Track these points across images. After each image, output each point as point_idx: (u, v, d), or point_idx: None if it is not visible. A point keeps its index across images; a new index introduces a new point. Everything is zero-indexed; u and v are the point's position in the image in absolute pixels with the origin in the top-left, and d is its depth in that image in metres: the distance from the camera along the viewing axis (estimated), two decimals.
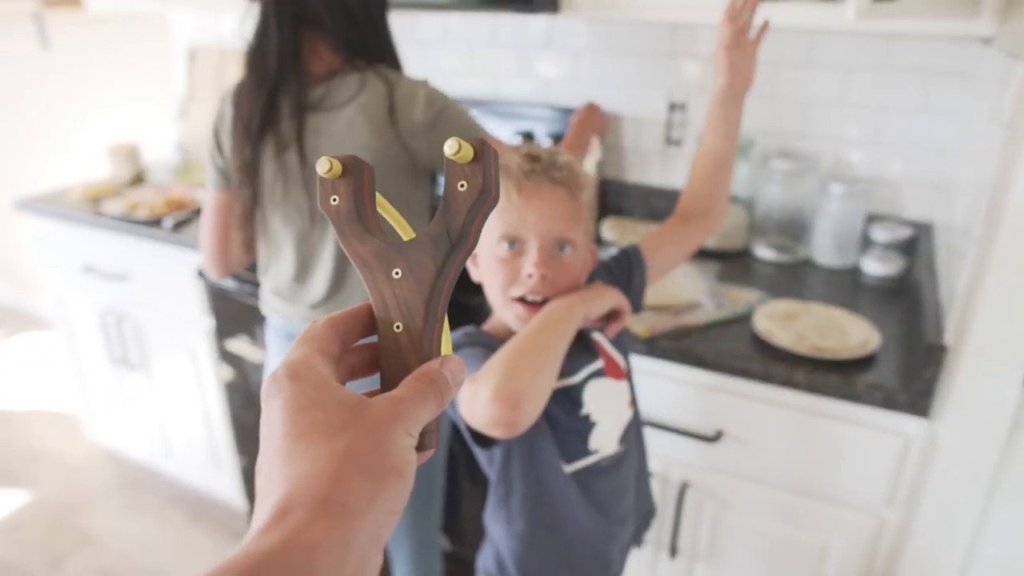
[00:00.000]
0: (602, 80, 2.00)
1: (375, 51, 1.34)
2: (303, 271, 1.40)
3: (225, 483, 2.31)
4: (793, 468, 1.36)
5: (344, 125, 1.28)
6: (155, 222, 2.02)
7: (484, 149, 0.44)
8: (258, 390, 1.99)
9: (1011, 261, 0.99)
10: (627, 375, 1.11)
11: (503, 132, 2.07)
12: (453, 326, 1.32)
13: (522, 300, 0.96)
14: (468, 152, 0.43)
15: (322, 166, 0.45)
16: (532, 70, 2.08)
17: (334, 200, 0.46)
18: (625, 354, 1.12)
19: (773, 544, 1.42)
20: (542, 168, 0.94)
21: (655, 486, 1.48)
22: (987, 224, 1.05)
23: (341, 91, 1.28)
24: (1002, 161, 1.03)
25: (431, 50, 2.21)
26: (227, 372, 2.06)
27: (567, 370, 1.00)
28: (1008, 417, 1.04)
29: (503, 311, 1.00)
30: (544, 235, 0.94)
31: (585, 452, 1.04)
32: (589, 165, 1.91)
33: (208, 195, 1.43)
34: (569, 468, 1.03)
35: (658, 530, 1.52)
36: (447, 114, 1.31)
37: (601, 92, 2.01)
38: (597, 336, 1.08)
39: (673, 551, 1.49)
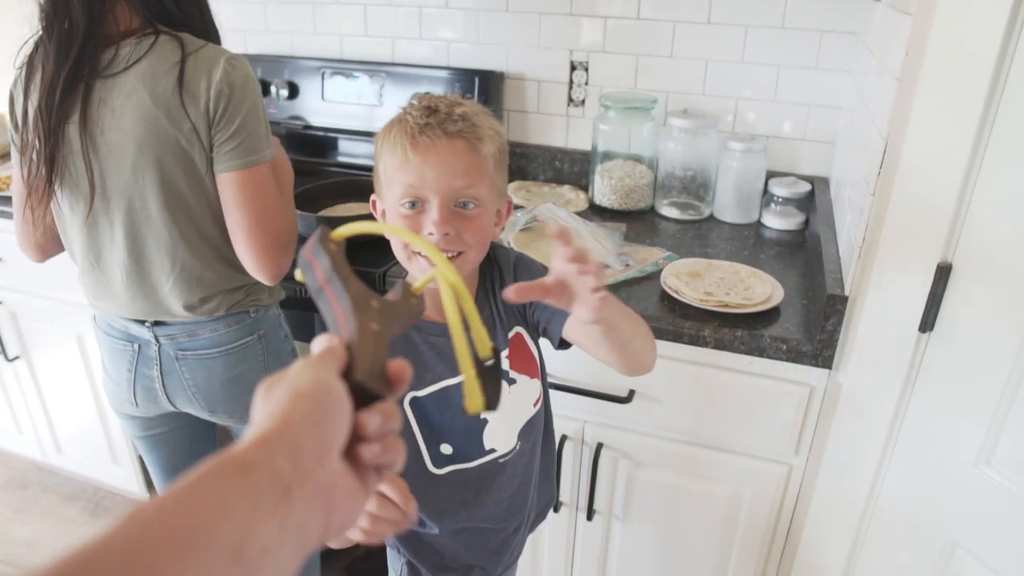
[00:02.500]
0: (502, 41, 1.95)
1: (180, 15, 1.19)
2: (96, 259, 1.26)
3: (124, 474, 2.18)
4: (703, 423, 1.38)
5: (124, 93, 1.12)
6: None
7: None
8: None
9: (906, 211, 1.01)
10: (539, 372, 1.07)
11: (403, 96, 2.00)
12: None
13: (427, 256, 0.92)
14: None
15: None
16: (429, 31, 2.01)
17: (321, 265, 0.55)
18: (540, 348, 1.08)
19: (687, 498, 1.45)
20: (437, 121, 0.88)
21: (570, 449, 1.48)
22: (882, 176, 1.07)
23: (128, 55, 1.13)
24: (895, 112, 1.05)
25: (323, 10, 2.10)
26: None
27: (446, 372, 0.98)
28: (904, 365, 1.07)
29: (408, 264, 0.96)
30: (444, 192, 0.89)
31: (482, 452, 1.02)
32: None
33: (13, 173, 1.25)
34: (462, 466, 1.02)
35: (575, 493, 1.53)
36: (237, 105, 1.14)
37: (501, 53, 1.96)
38: (519, 329, 1.04)
39: (590, 514, 1.49)
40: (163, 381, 1.34)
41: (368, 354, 0.49)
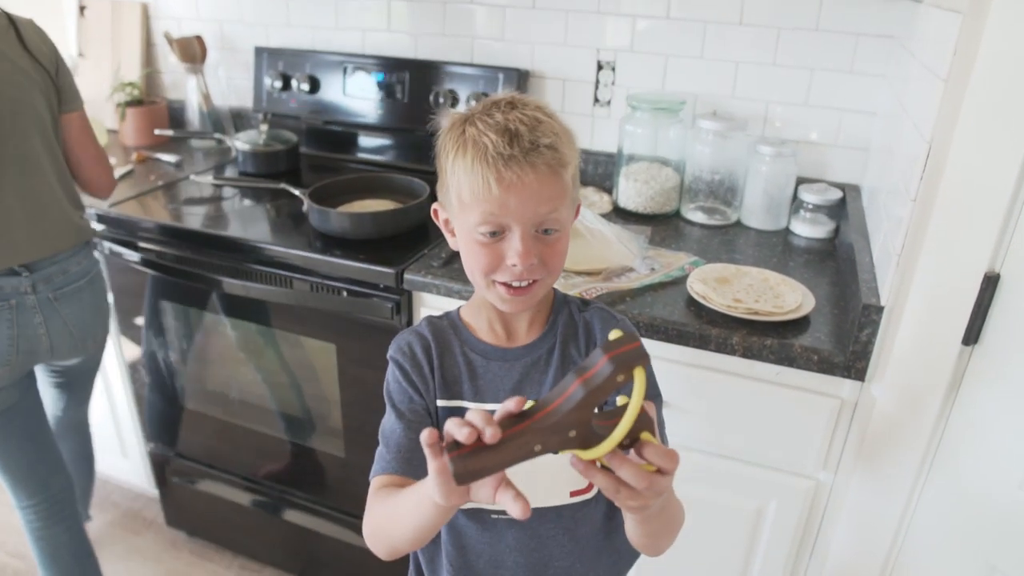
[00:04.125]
0: (527, 38, 1.91)
1: None
2: None
3: (132, 468, 2.16)
4: (728, 434, 1.33)
5: None
6: None
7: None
8: (168, 367, 1.86)
9: (951, 217, 0.97)
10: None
11: (424, 92, 1.96)
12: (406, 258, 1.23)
13: (507, 283, 0.89)
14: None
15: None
16: (453, 27, 1.98)
17: None
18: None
19: (710, 511, 1.40)
20: (522, 152, 0.82)
21: None
22: (925, 181, 1.03)
23: None
24: (940, 115, 1.01)
25: (345, 5, 2.07)
26: (133, 353, 1.92)
27: (470, 392, 0.95)
28: (946, 379, 1.02)
29: (485, 291, 0.92)
30: (527, 221, 0.84)
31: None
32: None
33: None
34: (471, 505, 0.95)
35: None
36: (62, 59, 1.50)
37: (526, 50, 1.92)
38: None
39: None
40: (47, 327, 1.49)
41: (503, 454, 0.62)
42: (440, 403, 0.95)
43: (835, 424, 1.25)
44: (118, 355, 1.95)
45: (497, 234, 0.86)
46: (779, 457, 1.31)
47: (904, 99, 1.32)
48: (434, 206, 0.95)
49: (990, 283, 0.94)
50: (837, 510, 1.28)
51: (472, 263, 0.90)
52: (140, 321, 1.84)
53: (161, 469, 2.06)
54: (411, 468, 0.91)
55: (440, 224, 0.95)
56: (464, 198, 0.86)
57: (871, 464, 1.19)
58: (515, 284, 0.88)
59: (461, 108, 1.83)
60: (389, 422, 0.96)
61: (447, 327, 0.99)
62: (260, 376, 1.74)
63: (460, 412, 0.95)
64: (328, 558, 1.90)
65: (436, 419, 0.96)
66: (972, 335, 0.97)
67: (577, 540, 0.98)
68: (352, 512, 1.79)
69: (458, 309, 1.02)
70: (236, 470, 1.92)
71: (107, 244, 1.74)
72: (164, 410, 1.95)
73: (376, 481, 0.93)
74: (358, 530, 1.79)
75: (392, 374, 0.98)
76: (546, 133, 0.84)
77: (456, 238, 0.92)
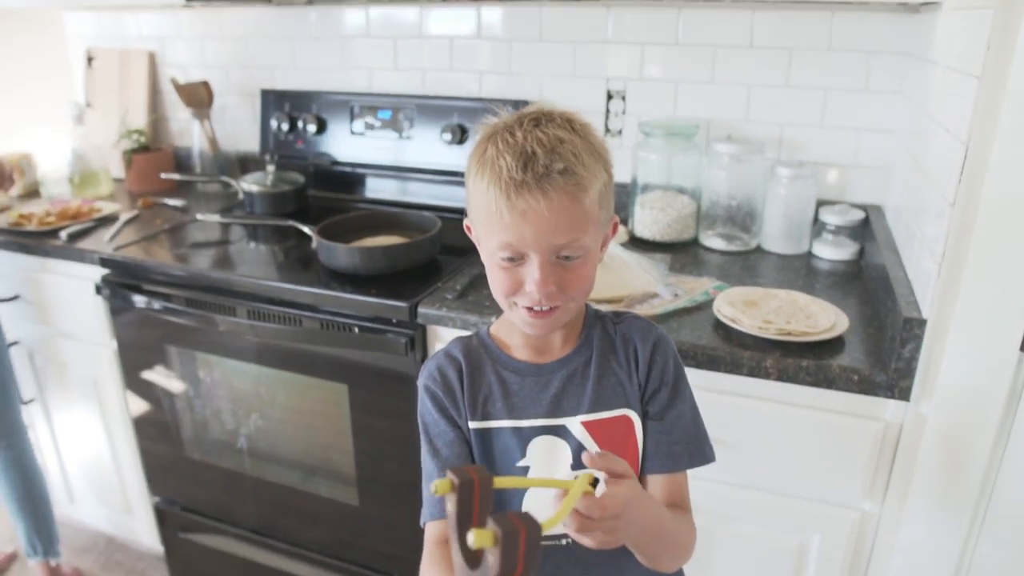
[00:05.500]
0: (535, 71, 1.90)
1: None
2: None
3: (137, 526, 2.08)
4: (765, 465, 1.26)
5: None
6: (48, 233, 1.81)
7: (504, 540, 0.52)
8: (174, 415, 1.79)
9: (999, 217, 0.91)
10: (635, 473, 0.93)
11: (433, 130, 1.94)
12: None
13: (528, 307, 0.85)
14: (487, 539, 0.53)
15: (433, 487, 0.60)
16: (460, 63, 1.97)
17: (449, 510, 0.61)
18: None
19: (749, 548, 1.32)
20: (535, 178, 0.77)
21: None
22: (964, 184, 0.98)
23: None
24: (977, 113, 0.96)
25: (352, 44, 2.07)
26: (137, 403, 1.85)
27: (503, 412, 0.91)
28: (1004, 391, 0.95)
29: (508, 312, 0.89)
30: (545, 250, 0.80)
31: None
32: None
33: None
34: None
35: None
36: None
37: (534, 83, 1.90)
38: (628, 413, 0.92)
39: None
40: None
41: None
42: (472, 424, 0.91)
43: (880, 449, 1.17)
44: (122, 406, 1.89)
45: (516, 260, 0.82)
46: (821, 488, 1.24)
47: (928, 108, 1.28)
48: (466, 221, 0.91)
49: None
50: (887, 544, 1.20)
51: (494, 285, 0.87)
52: (144, 368, 1.78)
53: (167, 524, 1.97)
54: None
55: (472, 238, 0.91)
56: (482, 219, 0.84)
57: (922, 492, 1.11)
58: (536, 308, 0.84)
59: (470, 142, 1.80)
60: (427, 461, 0.93)
61: (477, 346, 0.95)
62: (269, 422, 1.68)
63: (493, 432, 0.90)
64: None
65: (470, 441, 0.91)
66: None
67: (590, 568, 0.92)
68: (368, 565, 1.70)
69: (487, 327, 0.98)
70: (244, 523, 1.84)
71: (109, 290, 1.70)
72: (169, 461, 1.87)
73: (429, 529, 0.91)
74: None
75: (424, 404, 0.94)
76: (564, 156, 0.79)
77: (480, 249, 0.89)
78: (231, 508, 1.84)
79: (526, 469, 0.89)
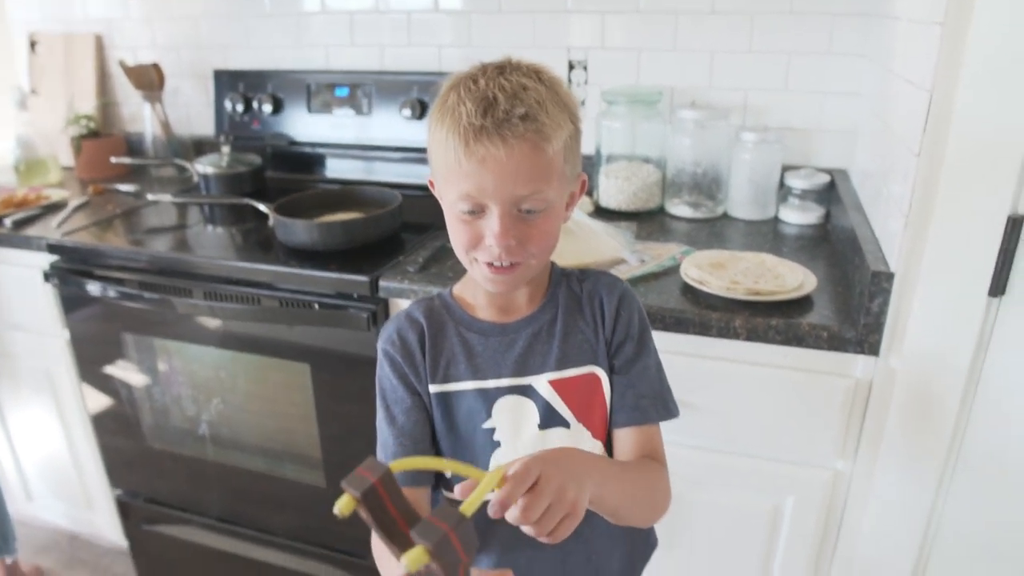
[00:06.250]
0: (495, 43, 1.86)
1: None
2: None
3: (100, 520, 2.01)
4: (737, 427, 1.24)
5: None
6: None
7: (438, 550, 0.51)
8: (132, 404, 1.74)
9: (965, 163, 0.90)
10: (604, 432, 0.91)
11: (393, 106, 1.89)
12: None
13: (488, 262, 0.81)
14: (422, 557, 0.51)
15: (337, 510, 0.56)
16: (419, 37, 1.92)
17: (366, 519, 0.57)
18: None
19: (721, 513, 1.30)
20: (494, 124, 0.73)
21: None
22: (929, 132, 0.96)
23: None
24: (940, 61, 0.95)
25: (307, 21, 2.02)
26: (93, 394, 1.79)
27: (468, 372, 0.88)
28: (973, 336, 0.94)
29: (469, 268, 0.86)
30: (505, 200, 0.77)
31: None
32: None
33: None
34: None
35: None
36: None
37: (494, 56, 1.86)
38: (596, 370, 0.89)
39: None
40: None
41: None
42: (432, 388, 0.88)
43: (851, 406, 1.16)
44: (77, 397, 1.82)
45: (475, 212, 0.79)
46: (793, 448, 1.23)
47: (892, 65, 1.27)
48: (429, 177, 0.88)
49: (1015, 226, 0.87)
50: (860, 502, 1.19)
51: (454, 239, 0.84)
52: (99, 357, 1.72)
53: (130, 517, 1.91)
54: (409, 477, 0.85)
55: (436, 196, 0.87)
56: (442, 171, 0.80)
57: (893, 447, 1.10)
58: (496, 263, 0.81)
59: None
60: (383, 428, 0.90)
61: (440, 307, 0.92)
62: (230, 407, 1.63)
63: (456, 395, 0.87)
64: None
65: (429, 406, 0.89)
66: (999, 285, 0.90)
67: (589, 533, 0.89)
68: (337, 547, 1.67)
69: (450, 288, 0.95)
70: (210, 511, 1.79)
71: (59, 277, 1.63)
72: (129, 452, 1.81)
73: None
74: (345, 567, 1.67)
75: (383, 368, 0.91)
76: (525, 102, 0.75)
77: (442, 203, 0.86)
78: (195, 497, 1.79)
79: (492, 430, 0.87)
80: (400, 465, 0.61)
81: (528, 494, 0.63)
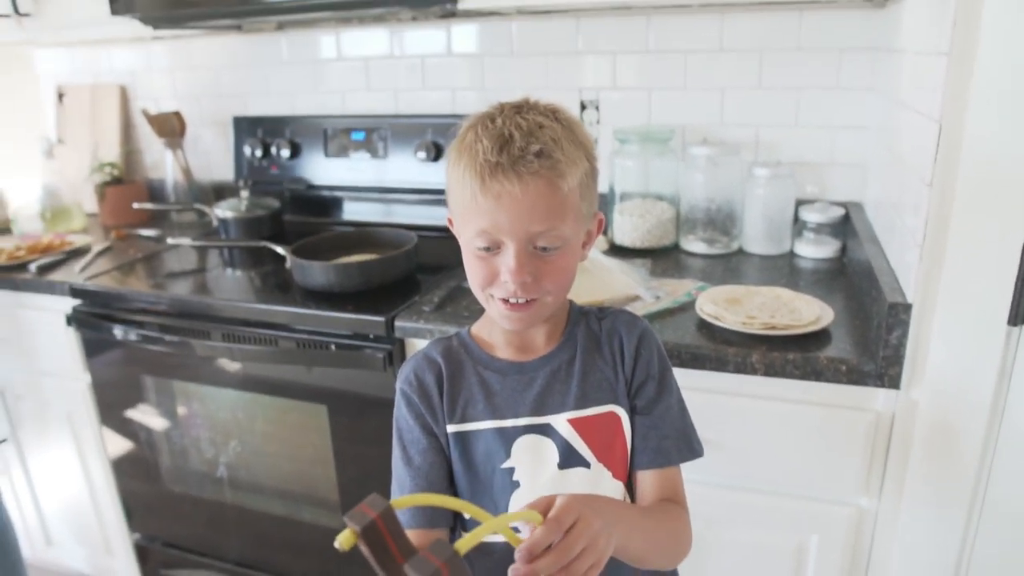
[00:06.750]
0: (508, 86, 1.89)
1: None
2: None
3: (118, 565, 2.00)
4: (757, 464, 1.22)
5: None
6: (17, 267, 1.77)
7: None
8: (151, 447, 1.74)
9: (977, 193, 0.90)
10: (625, 472, 0.90)
11: (408, 149, 1.92)
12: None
13: (504, 299, 0.82)
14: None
15: (338, 543, 0.58)
16: (433, 81, 1.96)
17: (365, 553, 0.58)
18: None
19: (744, 553, 1.28)
20: (510, 161, 0.75)
21: None
22: (940, 163, 0.96)
23: None
24: (948, 91, 0.95)
25: (324, 68, 2.06)
26: (113, 437, 1.80)
27: (487, 412, 0.87)
28: (995, 367, 0.93)
29: (486, 306, 0.86)
30: (520, 237, 0.77)
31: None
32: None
33: None
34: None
35: None
36: None
37: (508, 96, 1.89)
38: (615, 409, 0.89)
39: None
40: None
41: None
42: (450, 428, 0.88)
43: (873, 441, 1.14)
44: (98, 440, 1.84)
45: (492, 249, 0.80)
46: (815, 485, 1.20)
47: (900, 96, 1.28)
48: (447, 214, 0.88)
49: None
50: (887, 541, 1.16)
51: (470, 276, 0.85)
52: (120, 400, 1.74)
53: (148, 562, 1.91)
54: (426, 518, 0.85)
55: (455, 233, 0.88)
56: (459, 208, 0.81)
57: (918, 483, 1.08)
58: (512, 300, 0.81)
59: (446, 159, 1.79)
60: (399, 468, 0.90)
61: (458, 347, 0.92)
62: (248, 449, 1.63)
63: (474, 435, 0.87)
64: None
65: (447, 446, 0.88)
66: (1019, 314, 0.89)
67: None
68: None
69: (468, 328, 0.95)
70: (227, 555, 1.78)
71: (81, 321, 1.66)
72: (148, 495, 1.82)
73: None
74: None
75: (399, 409, 0.91)
76: (541, 139, 0.76)
77: (459, 239, 0.87)
78: (214, 541, 1.78)
79: (511, 470, 0.86)
80: (401, 503, 0.61)
81: (565, 537, 0.63)
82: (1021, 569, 1.03)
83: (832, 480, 1.19)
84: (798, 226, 1.64)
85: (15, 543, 1.80)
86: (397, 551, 0.58)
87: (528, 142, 0.76)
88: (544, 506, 0.66)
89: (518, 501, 0.86)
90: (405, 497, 0.61)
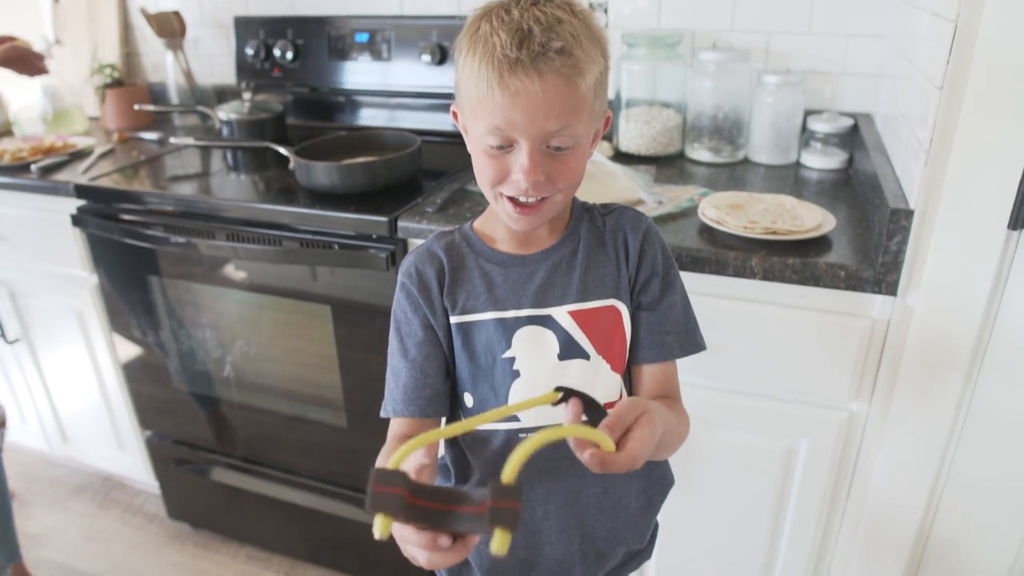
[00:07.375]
0: None
1: None
2: None
3: (131, 462, 2.08)
4: (751, 368, 1.25)
5: None
6: (20, 168, 1.77)
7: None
8: (160, 347, 1.78)
9: (987, 95, 0.88)
10: (623, 365, 0.91)
11: (413, 51, 1.88)
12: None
13: (513, 199, 0.81)
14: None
15: (377, 534, 0.53)
16: None
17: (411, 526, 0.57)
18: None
19: (736, 454, 1.32)
20: (530, 56, 0.72)
21: None
22: (952, 64, 0.95)
23: None
24: None
25: None
26: (121, 336, 1.84)
27: (489, 304, 0.88)
28: (991, 271, 0.93)
29: (493, 203, 0.86)
30: (535, 136, 0.76)
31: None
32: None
33: None
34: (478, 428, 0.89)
35: None
36: None
37: None
38: (617, 303, 0.90)
39: None
40: None
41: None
42: (452, 319, 0.89)
43: (867, 347, 1.16)
44: (107, 339, 1.87)
45: (504, 147, 0.78)
46: (809, 389, 1.23)
47: (910, 18, 1.24)
48: (452, 107, 0.87)
49: None
50: (874, 445, 1.19)
51: (480, 173, 0.83)
52: (127, 300, 1.76)
53: (160, 458, 1.98)
54: (419, 408, 0.89)
55: (460, 127, 0.87)
56: (471, 100, 0.79)
57: (908, 388, 1.10)
58: (522, 200, 0.81)
59: (451, 62, 1.76)
60: (395, 358, 0.92)
61: (460, 241, 0.93)
62: (254, 349, 1.66)
63: (475, 326, 0.89)
64: (339, 540, 1.82)
65: (449, 337, 0.90)
66: (1020, 217, 0.89)
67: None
68: (360, 488, 1.71)
69: (470, 222, 0.95)
70: (236, 452, 1.84)
71: (87, 221, 1.67)
72: (158, 395, 1.87)
73: (392, 424, 0.92)
74: None
75: (399, 300, 0.92)
76: (561, 35, 0.74)
77: (467, 139, 0.85)
78: (221, 438, 1.84)
79: (512, 360, 0.88)
80: (405, 452, 0.58)
81: (634, 428, 0.66)
82: (999, 473, 1.06)
83: (825, 385, 1.21)
84: (805, 136, 1.61)
85: (8, 502, 1.77)
86: (440, 504, 0.56)
87: (549, 38, 0.73)
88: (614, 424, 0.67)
89: (518, 390, 0.88)
90: (405, 446, 0.58)
